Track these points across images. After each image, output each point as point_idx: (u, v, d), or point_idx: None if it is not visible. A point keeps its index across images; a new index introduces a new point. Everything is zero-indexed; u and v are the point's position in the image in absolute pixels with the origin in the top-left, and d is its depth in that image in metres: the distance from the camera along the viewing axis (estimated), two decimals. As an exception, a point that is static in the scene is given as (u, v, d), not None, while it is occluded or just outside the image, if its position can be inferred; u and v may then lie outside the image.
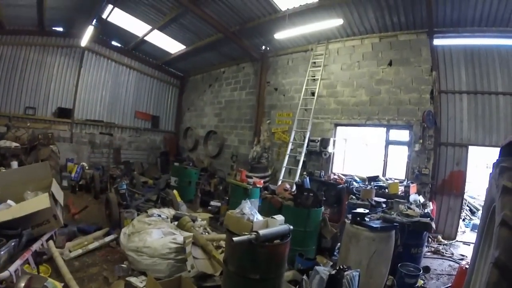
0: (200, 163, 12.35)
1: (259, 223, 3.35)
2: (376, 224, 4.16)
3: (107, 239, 5.20)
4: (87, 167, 9.82)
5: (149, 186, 10.19)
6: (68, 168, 9.86)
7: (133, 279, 4.13)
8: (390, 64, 8.11)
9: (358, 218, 4.23)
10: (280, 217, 3.55)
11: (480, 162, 10.78)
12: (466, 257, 6.33)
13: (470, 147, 7.33)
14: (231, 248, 3.28)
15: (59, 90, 11.70)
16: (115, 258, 4.78)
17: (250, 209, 3.45)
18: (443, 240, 7.11)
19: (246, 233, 3.11)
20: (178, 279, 3.71)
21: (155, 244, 4.44)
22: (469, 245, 7.16)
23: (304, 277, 3.50)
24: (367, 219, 4.31)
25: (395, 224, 4.36)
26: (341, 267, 3.39)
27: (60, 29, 11.61)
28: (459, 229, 7.62)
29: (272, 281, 3.30)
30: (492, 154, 9.26)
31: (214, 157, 12.78)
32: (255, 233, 3.06)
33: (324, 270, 3.48)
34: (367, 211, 4.45)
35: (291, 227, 3.52)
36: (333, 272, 3.36)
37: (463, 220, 8.38)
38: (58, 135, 11.31)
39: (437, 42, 7.57)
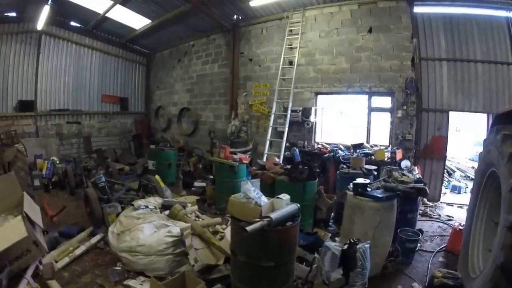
0: (175, 143, 11.88)
1: (267, 206, 3.11)
2: (380, 193, 4.10)
3: (94, 240, 4.76)
4: (58, 162, 9.10)
5: (125, 173, 9.77)
6: (38, 165, 9.13)
7: (131, 282, 3.81)
8: (370, 31, 7.92)
9: (360, 189, 4.14)
10: (286, 196, 3.34)
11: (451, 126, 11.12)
12: (453, 217, 6.57)
13: (450, 113, 7.48)
14: (240, 237, 3.05)
15: (18, 82, 10.58)
16: (106, 260, 4.40)
17: (255, 192, 3.19)
18: (428, 203, 7.33)
19: (257, 219, 2.88)
20: (182, 276, 3.46)
21: (150, 240, 4.12)
22: (452, 205, 7.48)
23: (316, 255, 3.37)
24: (368, 189, 4.24)
25: (397, 192, 4.30)
26: (352, 240, 3.30)
27: (13, 14, 10.34)
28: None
29: (286, 265, 3.14)
30: (462, 118, 9.65)
31: (190, 135, 12.35)
32: (268, 218, 2.84)
33: (335, 245, 3.37)
34: (368, 181, 4.37)
35: (299, 205, 3.35)
36: (345, 247, 3.26)
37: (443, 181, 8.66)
38: (22, 131, 10.41)
39: (417, 9, 7.49)
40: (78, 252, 4.41)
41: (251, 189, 3.19)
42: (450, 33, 7.29)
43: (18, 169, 5.71)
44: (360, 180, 4.33)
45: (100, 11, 10.68)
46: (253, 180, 3.83)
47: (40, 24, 9.88)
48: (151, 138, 13.27)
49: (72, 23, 11.86)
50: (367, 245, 3.27)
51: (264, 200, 3.20)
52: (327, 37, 8.59)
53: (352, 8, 8.16)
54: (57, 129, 11.64)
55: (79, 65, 12.28)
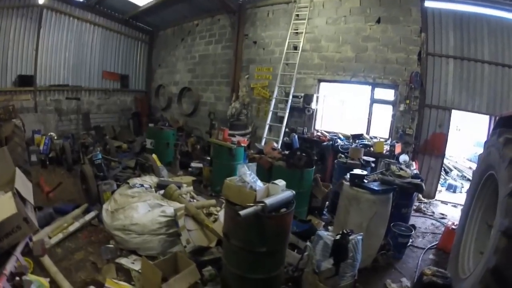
0: (175, 122, 11.78)
1: (262, 191, 3.08)
2: (376, 186, 4.08)
3: (88, 217, 4.74)
4: (55, 138, 9.00)
5: (123, 151, 9.75)
6: (35, 141, 8.99)
7: (123, 260, 3.82)
8: (378, 21, 7.74)
9: (357, 180, 4.12)
10: (281, 182, 3.30)
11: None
12: (446, 216, 6.58)
13: (453, 111, 7.40)
14: (234, 221, 3.02)
15: (18, 56, 10.34)
16: (99, 238, 4.41)
17: (251, 176, 3.16)
18: (423, 199, 7.33)
19: (251, 204, 2.85)
20: (174, 256, 3.46)
21: (144, 220, 4.11)
22: (447, 204, 7.47)
23: (308, 243, 3.37)
24: (365, 180, 4.21)
25: (394, 186, 4.28)
26: (345, 231, 3.28)
27: None
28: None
29: (279, 252, 3.14)
30: (463, 117, 9.58)
31: (190, 115, 12.22)
32: (262, 203, 2.81)
33: (327, 235, 3.37)
34: (365, 172, 4.34)
35: (294, 192, 3.32)
36: (337, 237, 3.25)
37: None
38: (21, 106, 10.26)
39: (428, 4, 7.30)
40: (72, 228, 4.40)
41: (247, 173, 3.16)
42: (460, 31, 7.13)
43: (15, 145, 5.58)
44: (357, 171, 4.30)
45: (104, -15, 10.42)
46: (250, 164, 3.77)
47: (41, -2, 9.57)
48: (150, 116, 13.16)
49: (75, -2, 11.56)
50: (359, 237, 3.26)
51: (259, 185, 3.17)
52: (334, 24, 8.41)
53: (361, -4, 7.96)
54: (56, 104, 11.48)
55: (80, 41, 12.01)
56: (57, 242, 4.11)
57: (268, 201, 2.86)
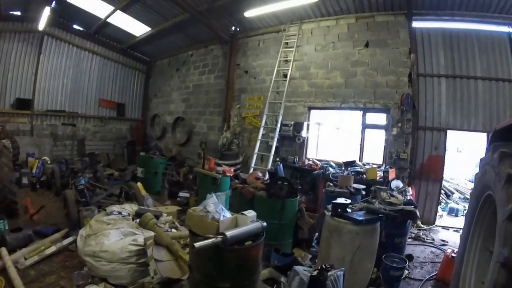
0: (168, 151, 11.73)
1: (227, 222, 2.85)
2: (360, 216, 3.79)
3: (66, 242, 4.67)
4: (49, 162, 9.13)
5: (115, 179, 9.71)
6: (29, 163, 9.14)
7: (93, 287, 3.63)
8: (366, 45, 7.75)
9: (339, 210, 3.84)
10: (251, 213, 3.08)
11: (451, 146, 10.85)
12: (447, 242, 6.22)
13: (448, 132, 7.22)
14: (195, 253, 2.77)
15: (17, 80, 10.67)
16: (74, 263, 4.28)
17: (215, 206, 2.93)
18: (422, 226, 6.97)
19: (211, 235, 2.61)
20: (140, 286, 3.19)
21: (113, 247, 3.95)
22: (448, 229, 7.12)
23: (283, 279, 3.09)
24: (349, 210, 3.93)
25: (380, 215, 3.98)
26: (324, 266, 3.01)
27: (18, 13, 10.47)
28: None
29: (246, 288, 2.85)
30: (462, 137, 9.36)
31: (183, 144, 12.15)
32: (222, 235, 2.57)
33: (304, 270, 3.11)
34: (348, 201, 4.06)
35: (265, 223, 3.07)
36: (315, 273, 2.97)
37: (439, 203, 8.31)
38: (17, 128, 10.53)
39: (416, 24, 7.33)
40: (48, 252, 4.37)
41: (211, 203, 2.93)
42: (450, 49, 7.11)
43: (2, 165, 5.58)
44: (340, 200, 4.02)
45: (102, 15, 10.79)
46: (219, 193, 3.55)
47: (42, 25, 9.97)
48: (145, 145, 13.16)
49: (75, 26, 12.01)
50: (340, 272, 3.01)
51: (226, 215, 2.95)
52: (322, 51, 8.44)
53: (349, 22, 8.03)
54: (52, 129, 11.60)
55: (79, 68, 12.31)
56: (31, 264, 4.11)
57: (230, 233, 2.63)
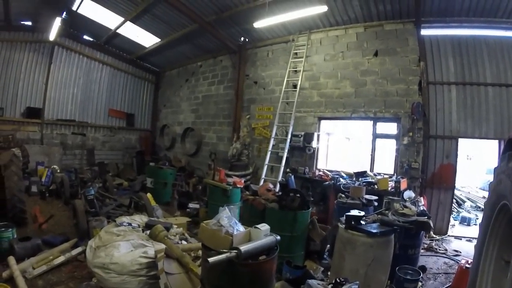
0: (177, 162, 11.73)
1: (240, 236, 2.81)
2: (374, 228, 3.73)
3: (74, 252, 4.66)
4: (58, 170, 9.14)
5: (124, 189, 9.72)
6: (38, 172, 9.19)
7: (102, 300, 3.59)
8: (375, 54, 7.73)
9: (353, 222, 3.78)
10: (265, 227, 3.04)
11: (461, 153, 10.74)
12: (460, 253, 6.09)
13: (460, 140, 7.12)
14: (207, 268, 2.74)
15: (28, 89, 10.90)
16: (83, 274, 4.26)
17: (228, 219, 2.90)
18: (435, 236, 6.83)
19: (224, 250, 2.58)
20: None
21: (123, 259, 3.88)
22: (461, 239, 6.98)
23: (296, 293, 3.03)
24: (362, 222, 3.87)
25: (395, 227, 3.91)
26: (338, 280, 2.95)
27: (29, 23, 10.77)
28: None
29: (259, 303, 2.80)
30: (472, 144, 9.19)
31: (192, 155, 12.18)
32: (236, 250, 2.54)
33: (318, 284, 3.03)
34: (362, 213, 4.01)
35: (278, 237, 3.03)
36: (329, 287, 2.92)
37: (451, 212, 8.16)
38: (27, 137, 10.70)
39: (424, 32, 7.30)
40: (56, 262, 4.35)
41: (224, 216, 2.91)
42: (459, 56, 7.05)
43: (12, 174, 5.60)
44: (354, 212, 3.97)
45: (112, 26, 11.00)
46: (231, 206, 3.53)
47: (52, 35, 10.17)
48: (154, 155, 13.18)
49: (85, 37, 12.25)
50: (354, 286, 2.93)
51: (239, 229, 2.91)
52: (332, 61, 8.43)
53: (358, 31, 8.02)
54: (62, 138, 11.77)
55: (89, 78, 12.52)
56: (39, 274, 4.09)
57: (244, 247, 2.59)
